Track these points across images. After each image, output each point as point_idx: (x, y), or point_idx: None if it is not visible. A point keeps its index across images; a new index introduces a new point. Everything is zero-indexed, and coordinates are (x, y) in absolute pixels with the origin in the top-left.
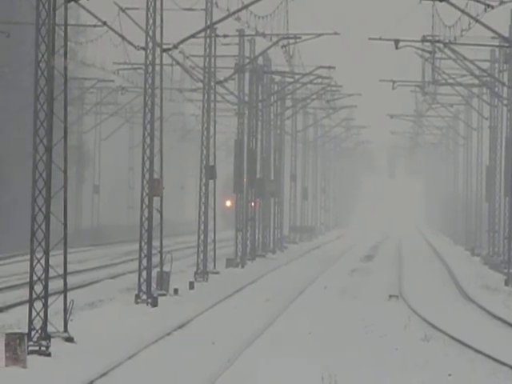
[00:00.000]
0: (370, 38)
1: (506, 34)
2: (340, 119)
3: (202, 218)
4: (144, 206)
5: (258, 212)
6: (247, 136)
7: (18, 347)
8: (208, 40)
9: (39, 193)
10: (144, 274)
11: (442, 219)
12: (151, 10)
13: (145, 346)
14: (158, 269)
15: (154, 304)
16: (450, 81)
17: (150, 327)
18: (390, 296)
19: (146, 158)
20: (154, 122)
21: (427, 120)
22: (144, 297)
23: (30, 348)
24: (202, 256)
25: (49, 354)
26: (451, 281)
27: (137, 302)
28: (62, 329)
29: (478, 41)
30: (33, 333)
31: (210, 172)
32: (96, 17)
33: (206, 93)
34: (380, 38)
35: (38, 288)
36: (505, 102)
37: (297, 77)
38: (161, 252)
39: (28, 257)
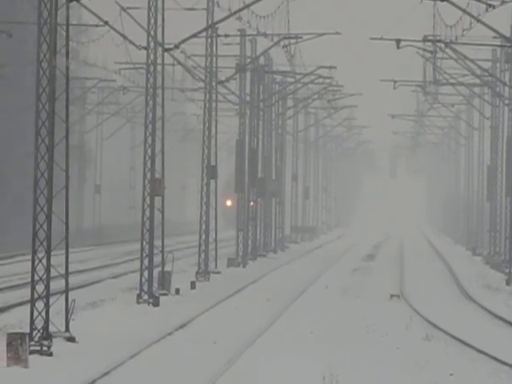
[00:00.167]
0: (371, 38)
1: (508, 34)
2: (341, 119)
3: (204, 218)
4: (145, 206)
5: (259, 212)
6: (248, 136)
7: (20, 347)
8: (209, 40)
9: (41, 192)
10: (145, 273)
11: (444, 219)
12: (153, 9)
13: (146, 345)
14: (160, 268)
15: (156, 304)
16: (452, 80)
17: (151, 327)
18: (392, 295)
19: (147, 157)
20: (156, 122)
21: (428, 120)
22: (145, 296)
23: (32, 348)
24: (203, 256)
25: (50, 354)
26: (452, 280)
27: (138, 302)
28: (63, 329)
29: (479, 40)
30: (34, 333)
31: (211, 172)
32: (98, 16)
33: (207, 92)
34: (381, 38)
35: (40, 288)
36: (506, 101)
37: (298, 77)
38: (162, 252)
39: (30, 256)
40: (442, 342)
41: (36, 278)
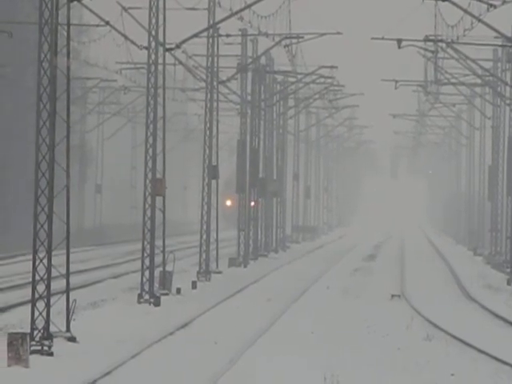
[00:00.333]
0: (372, 38)
1: (509, 34)
2: (342, 119)
3: (205, 218)
4: (147, 206)
5: (260, 211)
6: (250, 136)
7: (21, 347)
8: (211, 40)
9: (42, 192)
10: (146, 273)
11: (445, 219)
12: (154, 9)
13: (147, 345)
14: (161, 268)
15: (157, 303)
16: (453, 80)
17: (152, 327)
18: (393, 296)
19: (148, 157)
20: (157, 122)
21: (430, 120)
22: (146, 296)
23: (33, 348)
24: (204, 255)
25: (51, 354)
26: (453, 280)
27: (139, 302)
28: (64, 328)
29: (480, 40)
30: (35, 332)
31: (212, 172)
32: (99, 16)
33: (208, 92)
34: (382, 38)
35: (41, 288)
36: (507, 101)
37: (299, 76)
38: (163, 251)
39: (30, 256)
40: (442, 342)
41: (37, 277)
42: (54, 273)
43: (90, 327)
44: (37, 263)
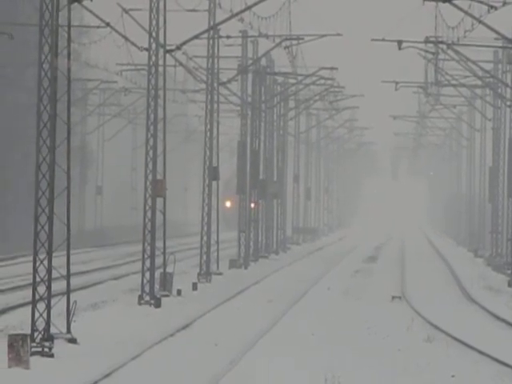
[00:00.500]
0: (372, 39)
1: (510, 35)
2: (343, 120)
3: (205, 219)
4: (147, 207)
5: (260, 213)
6: (250, 137)
7: (21, 348)
8: (211, 41)
9: (42, 194)
10: (147, 274)
11: (445, 220)
12: (154, 11)
13: (148, 346)
14: (161, 270)
15: (157, 305)
16: (453, 82)
17: (153, 328)
18: (393, 297)
19: (149, 158)
20: (157, 123)
21: (430, 121)
22: (147, 298)
23: (33, 349)
24: (205, 257)
25: (52, 355)
26: (454, 282)
27: (140, 303)
28: (64, 330)
29: (481, 42)
30: (36, 334)
31: (213, 173)
32: (99, 18)
33: (209, 94)
34: (383, 39)
35: (41, 289)
36: (508, 103)
37: (300, 78)
38: (164, 253)
39: (31, 258)
40: (443, 344)
41: (37, 279)
42: (54, 274)
43: (90, 328)
44: (37, 264)
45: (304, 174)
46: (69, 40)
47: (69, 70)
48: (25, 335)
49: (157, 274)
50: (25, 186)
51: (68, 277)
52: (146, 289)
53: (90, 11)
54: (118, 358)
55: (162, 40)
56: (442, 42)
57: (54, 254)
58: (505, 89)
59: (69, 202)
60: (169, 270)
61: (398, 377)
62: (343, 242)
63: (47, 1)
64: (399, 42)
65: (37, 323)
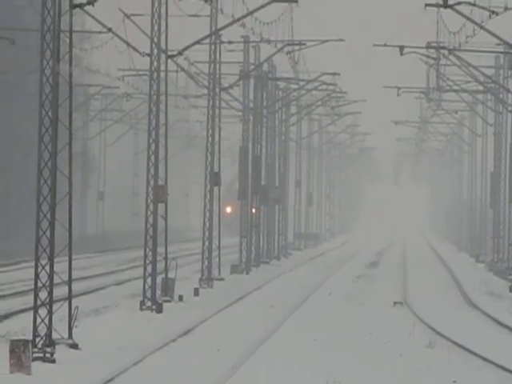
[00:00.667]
0: (374, 45)
1: (511, 41)
2: (345, 126)
3: (207, 225)
4: (149, 213)
5: (262, 218)
6: (252, 142)
7: (23, 354)
8: (213, 46)
9: (44, 199)
10: (149, 280)
11: (447, 226)
12: (156, 16)
13: (150, 352)
14: (163, 275)
15: (159, 310)
16: (455, 87)
17: (154, 334)
18: (395, 303)
19: (150, 164)
20: (159, 129)
21: (432, 126)
22: (149, 303)
23: (35, 355)
24: (206, 262)
25: (53, 361)
26: (456, 287)
27: (142, 309)
28: (66, 335)
29: (482, 47)
30: (37, 339)
31: (214, 178)
32: (101, 23)
33: (210, 99)
34: (385, 45)
35: (43, 294)
36: (509, 108)
37: (301, 83)
38: (166, 258)
39: (33, 263)
40: (444, 349)
41: (39, 284)
42: (56, 279)
43: (92, 334)
44: (39, 270)
45: (306, 179)
46: (70, 45)
47: (70, 75)
48: (26, 341)
49: (158, 279)
50: (27, 192)
51: (70, 282)
52: (148, 294)
53: (92, 16)
54: (119, 364)
55: (163, 45)
56: (443, 48)
57: (55, 260)
58: (506, 94)
59: (70, 208)
60: (170, 275)
61: (400, 382)
62: (345, 248)
63: (49, 6)
64: (401, 48)
65: (38, 329)
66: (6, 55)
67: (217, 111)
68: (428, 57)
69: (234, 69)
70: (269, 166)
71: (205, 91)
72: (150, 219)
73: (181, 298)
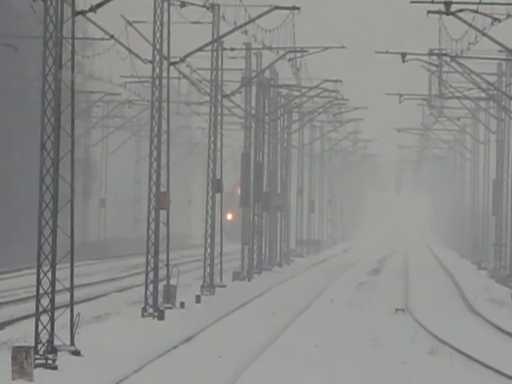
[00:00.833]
0: (376, 52)
1: None
2: (347, 132)
3: (209, 232)
4: (151, 220)
5: (264, 225)
6: (254, 149)
7: (25, 360)
8: (215, 53)
9: (46, 206)
10: (151, 287)
11: (449, 232)
12: (158, 23)
13: (151, 359)
14: (165, 282)
15: (161, 317)
16: (457, 94)
17: (156, 341)
18: (397, 309)
19: (152, 171)
20: (161, 135)
21: (434, 133)
22: (151, 310)
23: (37, 361)
24: (208, 269)
25: (55, 368)
26: (458, 294)
27: (143, 316)
28: (68, 342)
29: (484, 54)
30: (39, 346)
31: (216, 185)
32: (103, 30)
33: (212, 106)
34: (387, 52)
35: (45, 301)
36: None
37: (304, 90)
38: (167, 265)
39: (35, 270)
40: (447, 357)
41: (41, 291)
42: (58, 286)
43: (94, 341)
44: (41, 277)
45: (308, 186)
46: (73, 52)
47: (72, 82)
48: (28, 347)
49: (160, 286)
50: (29, 199)
51: (72, 289)
52: (150, 301)
53: (94, 23)
54: (121, 371)
55: (165, 52)
56: (445, 55)
57: (57, 267)
58: (509, 101)
59: (72, 215)
60: (172, 282)
61: None
62: (347, 255)
63: (51, 13)
64: (403, 55)
65: (40, 335)
66: (8, 62)
67: (219, 118)
68: (430, 64)
69: (235, 76)
70: (271, 172)
71: (207, 98)
72: (152, 226)
73: (182, 304)
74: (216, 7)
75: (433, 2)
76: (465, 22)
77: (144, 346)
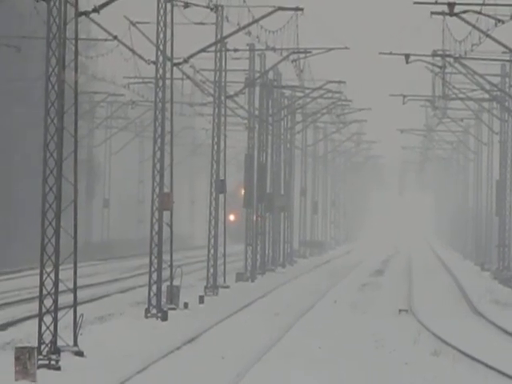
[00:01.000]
0: (380, 53)
1: None
2: (350, 134)
3: (212, 232)
4: (154, 220)
5: (267, 226)
6: (257, 150)
7: (28, 361)
8: (218, 54)
9: (49, 207)
10: (154, 288)
11: (452, 234)
12: (162, 24)
13: (154, 360)
14: (168, 283)
15: (164, 318)
16: (461, 95)
17: (159, 341)
18: (400, 310)
19: (156, 171)
20: (165, 136)
21: (437, 135)
22: (154, 311)
23: (40, 362)
24: (211, 270)
25: (58, 368)
26: (461, 295)
27: (147, 316)
28: (71, 343)
29: (488, 55)
30: (42, 347)
31: (220, 186)
32: (107, 31)
33: (216, 107)
34: (390, 53)
35: (48, 302)
36: None
37: (307, 91)
38: (171, 266)
39: (38, 271)
40: (450, 358)
41: (44, 292)
42: (61, 287)
43: (97, 341)
44: (44, 277)
45: (311, 187)
46: (76, 53)
47: (76, 82)
48: (32, 348)
49: (164, 287)
50: (32, 199)
51: (75, 290)
52: (153, 302)
53: (98, 24)
54: (124, 371)
55: (169, 53)
56: (449, 56)
57: (60, 267)
58: None
59: (76, 215)
60: (176, 283)
61: None
62: (350, 256)
63: (55, 14)
64: (406, 56)
65: (44, 336)
66: (11, 63)
67: (222, 119)
68: (434, 65)
69: (239, 77)
70: (274, 173)
71: (210, 99)
72: (156, 227)
73: (186, 305)
74: (219, 8)
75: (436, 3)
76: (468, 23)
77: (147, 346)
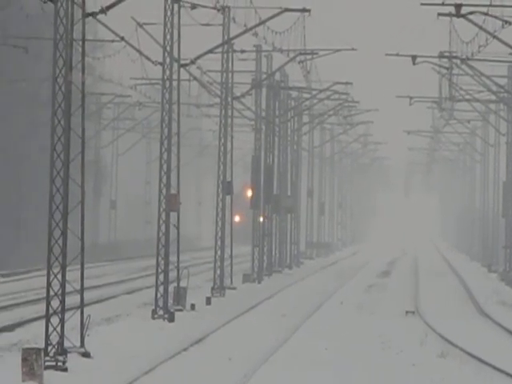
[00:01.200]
0: (387, 54)
1: None
2: (357, 135)
3: (219, 234)
4: (161, 221)
5: (274, 228)
6: (264, 152)
7: (35, 362)
8: (225, 55)
9: (56, 208)
10: (161, 289)
11: (458, 235)
12: (169, 25)
13: (161, 361)
14: (175, 284)
15: (171, 319)
16: (467, 97)
17: (166, 342)
18: (407, 312)
19: (163, 173)
20: (171, 137)
21: (444, 136)
22: (161, 312)
23: (47, 363)
24: (218, 271)
25: (65, 369)
26: (468, 297)
27: (153, 318)
28: (78, 344)
29: (495, 57)
30: (49, 348)
31: (226, 187)
32: (114, 32)
33: (223, 108)
34: (397, 54)
35: (55, 303)
36: None
37: (314, 92)
38: (178, 267)
39: (45, 272)
40: (457, 359)
41: (51, 293)
42: (68, 288)
43: (104, 343)
44: (51, 278)
45: (318, 188)
46: (83, 54)
47: (83, 84)
48: (39, 349)
49: (170, 288)
50: (39, 200)
51: (82, 291)
52: (160, 303)
53: (105, 25)
54: (131, 373)
55: (176, 54)
56: (456, 57)
57: (67, 268)
58: None
59: (83, 216)
60: (182, 284)
61: None
62: (357, 257)
63: (62, 15)
64: (413, 57)
65: (51, 337)
66: (19, 64)
67: (229, 120)
68: (440, 66)
69: (246, 78)
70: (281, 175)
71: (217, 100)
72: (163, 228)
73: (193, 306)
74: (226, 9)
75: (443, 5)
76: (475, 24)
77: (154, 347)
